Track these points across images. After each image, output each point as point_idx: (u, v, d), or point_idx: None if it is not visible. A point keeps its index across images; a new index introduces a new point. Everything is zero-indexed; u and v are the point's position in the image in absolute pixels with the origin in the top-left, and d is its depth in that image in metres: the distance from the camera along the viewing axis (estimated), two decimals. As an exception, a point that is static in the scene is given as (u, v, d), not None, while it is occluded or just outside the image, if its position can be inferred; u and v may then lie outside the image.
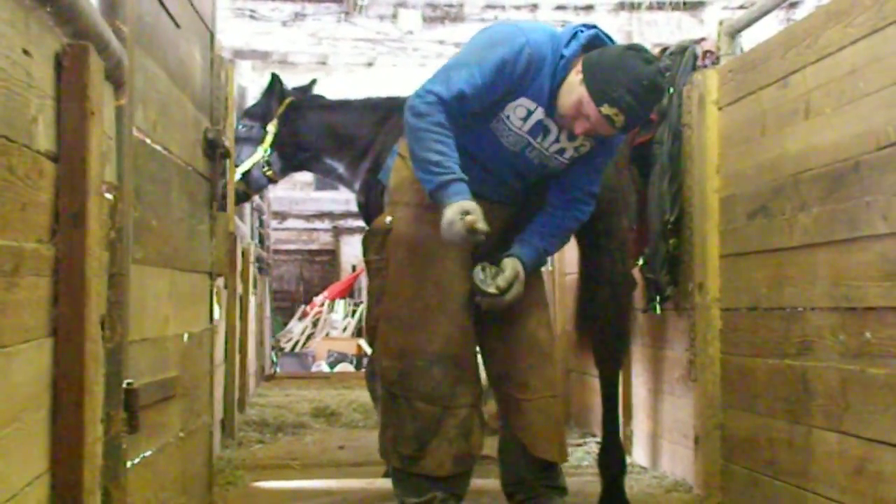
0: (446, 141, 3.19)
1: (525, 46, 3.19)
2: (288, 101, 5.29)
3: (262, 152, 5.23)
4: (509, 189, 3.49)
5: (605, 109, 3.09)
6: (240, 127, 5.37)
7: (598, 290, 4.08)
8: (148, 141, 2.76)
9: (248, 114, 5.46)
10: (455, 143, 3.20)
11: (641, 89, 3.07)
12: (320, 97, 5.46)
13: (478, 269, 3.34)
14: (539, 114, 3.27)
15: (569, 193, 3.48)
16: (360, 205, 5.00)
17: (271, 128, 5.25)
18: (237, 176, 5.27)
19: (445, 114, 3.19)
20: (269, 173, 5.31)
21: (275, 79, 5.39)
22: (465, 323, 3.42)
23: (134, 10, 2.52)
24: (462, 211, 3.11)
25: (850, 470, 2.99)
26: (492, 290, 3.31)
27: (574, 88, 3.16)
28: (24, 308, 1.79)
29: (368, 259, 3.57)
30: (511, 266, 3.34)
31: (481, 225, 3.09)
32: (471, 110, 3.25)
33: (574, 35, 3.21)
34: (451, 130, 3.21)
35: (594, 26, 3.26)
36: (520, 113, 3.28)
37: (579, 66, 3.17)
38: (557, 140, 3.34)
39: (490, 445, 3.83)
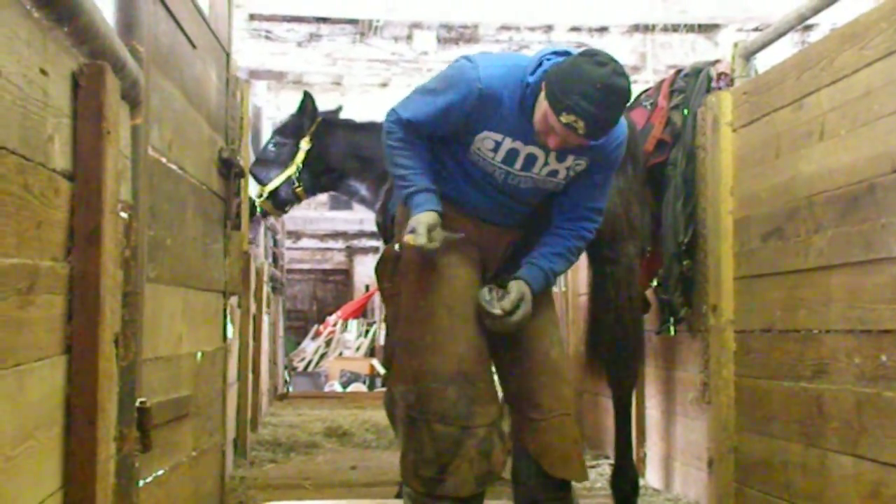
0: (409, 154, 3.38)
1: (476, 83, 3.23)
2: (319, 119, 5.34)
3: (294, 168, 5.26)
4: (512, 212, 3.51)
5: (564, 118, 3.09)
6: (271, 146, 5.40)
7: (602, 315, 4.16)
8: (163, 160, 2.77)
9: (281, 131, 5.49)
10: (423, 154, 3.38)
11: (596, 93, 3.04)
12: (349, 119, 5.51)
13: (484, 290, 3.36)
14: (508, 143, 3.30)
15: (571, 212, 3.48)
16: (378, 225, 5.01)
17: (304, 144, 5.28)
18: (265, 194, 5.30)
19: (405, 130, 3.38)
20: (298, 190, 5.33)
21: (307, 97, 5.42)
22: (478, 342, 3.42)
23: (150, 31, 2.54)
24: (409, 230, 3.25)
25: (865, 494, 2.97)
26: (496, 311, 3.32)
27: (541, 104, 3.18)
28: (38, 326, 1.80)
29: (382, 287, 3.60)
30: (516, 288, 3.36)
31: (421, 240, 3.22)
32: (431, 134, 3.38)
33: (540, 63, 3.21)
34: (416, 143, 3.38)
35: (566, 52, 3.25)
36: (488, 145, 3.33)
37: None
38: (546, 163, 3.35)
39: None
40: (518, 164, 3.35)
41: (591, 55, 3.12)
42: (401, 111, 3.40)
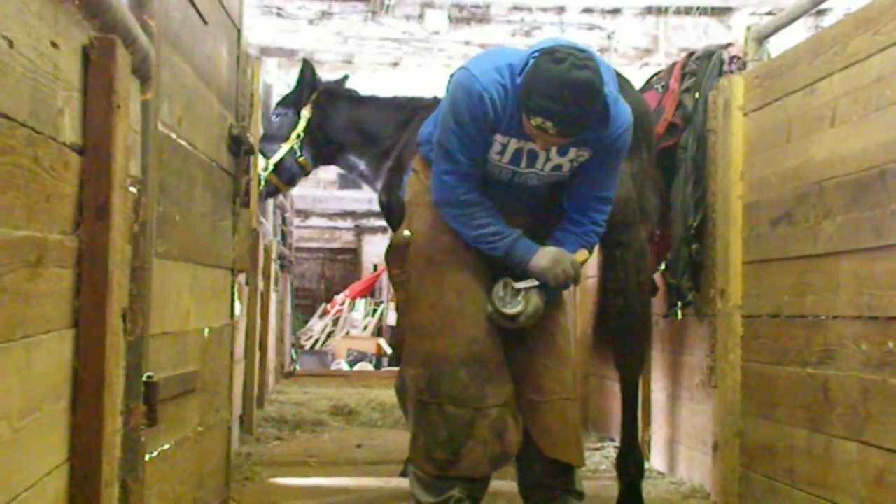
0: (484, 211, 3.37)
1: (483, 93, 3.20)
2: (321, 88, 5.30)
3: (295, 137, 5.22)
4: (523, 202, 3.51)
5: (534, 121, 3.07)
6: (273, 117, 5.37)
7: (611, 300, 4.16)
8: (173, 136, 2.77)
9: (283, 102, 5.44)
10: (490, 204, 3.38)
11: (555, 91, 3.00)
12: (352, 90, 5.46)
13: (498, 287, 3.39)
14: (513, 144, 3.30)
15: (580, 203, 3.47)
16: (381, 203, 5.00)
17: (305, 113, 5.24)
18: (270, 167, 5.25)
19: (465, 183, 3.34)
20: (301, 160, 5.27)
21: (306, 65, 5.38)
22: (489, 324, 3.43)
23: (162, 6, 2.53)
24: (561, 253, 3.36)
25: (870, 480, 2.97)
26: (508, 311, 3.36)
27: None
28: (46, 299, 1.80)
29: (392, 273, 3.61)
30: (533, 301, 3.37)
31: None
32: (480, 162, 3.35)
33: (527, 62, 3.18)
34: (479, 196, 3.36)
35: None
36: (495, 148, 3.32)
37: None
38: (549, 159, 3.34)
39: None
40: (523, 163, 3.35)
41: (551, 52, 3.07)
42: (449, 167, 3.33)
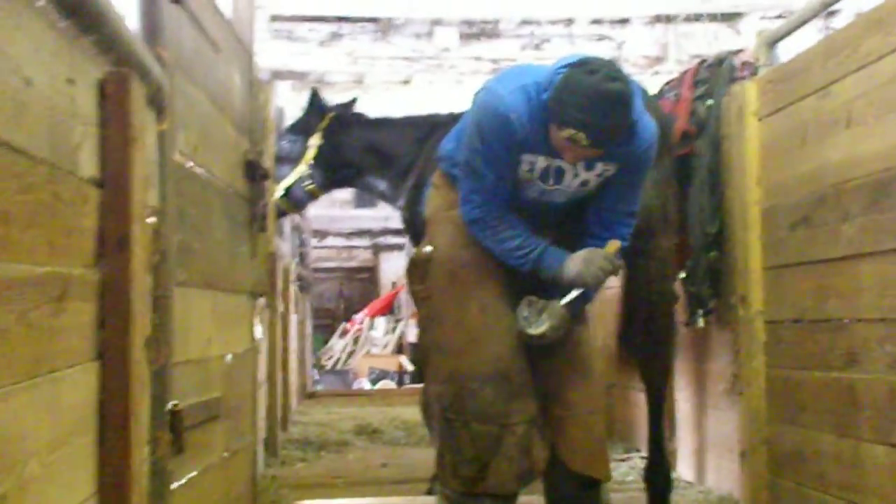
0: (507, 224, 3.34)
1: (510, 114, 3.19)
2: (331, 115, 5.32)
3: (304, 166, 5.25)
4: (547, 220, 3.50)
5: (565, 132, 3.06)
6: (283, 143, 5.39)
7: (636, 309, 4.13)
8: (189, 164, 2.79)
9: (291, 129, 5.48)
10: (516, 220, 3.35)
11: (588, 102, 3.01)
12: (362, 114, 5.48)
13: (522, 306, 3.37)
14: (542, 162, 3.29)
15: (606, 218, 3.45)
16: (405, 221, 5.01)
17: (314, 141, 5.26)
18: (279, 192, 5.28)
19: (490, 202, 3.32)
20: (310, 188, 5.31)
21: (314, 93, 5.41)
22: (513, 339, 3.41)
23: (174, 36, 2.55)
24: (590, 252, 3.32)
25: (900, 483, 2.95)
26: (533, 331, 3.34)
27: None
28: (71, 332, 1.81)
29: (413, 290, 3.60)
30: (559, 315, 3.35)
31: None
32: (506, 180, 3.33)
33: (553, 78, 3.17)
34: (507, 211, 3.34)
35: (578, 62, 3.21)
36: (524, 167, 3.31)
37: None
38: (576, 175, 3.34)
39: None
40: (551, 180, 3.35)
41: (583, 64, 3.08)
42: (477, 186, 3.32)
